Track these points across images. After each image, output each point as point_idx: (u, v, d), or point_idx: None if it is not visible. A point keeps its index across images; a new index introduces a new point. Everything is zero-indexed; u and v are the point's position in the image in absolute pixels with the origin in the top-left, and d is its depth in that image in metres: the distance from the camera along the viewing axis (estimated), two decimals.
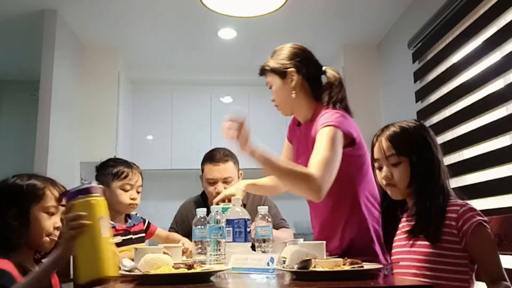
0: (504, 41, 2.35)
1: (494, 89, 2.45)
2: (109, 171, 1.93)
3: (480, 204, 2.60)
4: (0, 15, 3.56)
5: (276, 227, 2.28)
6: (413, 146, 1.43)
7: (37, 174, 1.41)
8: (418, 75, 3.37)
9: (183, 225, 2.37)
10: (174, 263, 1.29)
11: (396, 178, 1.43)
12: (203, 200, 2.41)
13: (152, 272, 1.20)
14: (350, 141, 1.62)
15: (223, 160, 2.27)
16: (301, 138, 1.85)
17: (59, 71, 3.56)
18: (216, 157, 2.28)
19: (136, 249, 1.54)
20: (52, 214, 1.35)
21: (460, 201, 1.39)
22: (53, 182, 1.39)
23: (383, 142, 1.45)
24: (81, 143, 4.00)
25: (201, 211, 1.60)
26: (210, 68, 4.90)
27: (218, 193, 2.18)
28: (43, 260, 1.27)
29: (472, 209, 1.35)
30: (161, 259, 1.27)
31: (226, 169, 2.26)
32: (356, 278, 1.16)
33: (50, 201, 1.34)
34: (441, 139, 2.99)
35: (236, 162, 2.33)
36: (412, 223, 1.43)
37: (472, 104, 2.63)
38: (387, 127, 1.49)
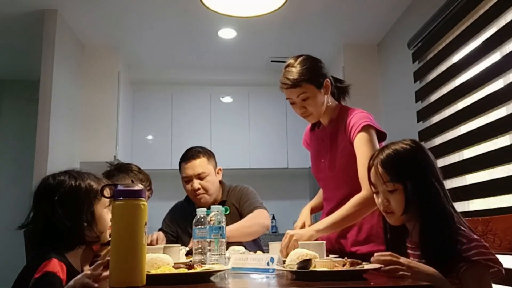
0: (504, 41, 2.35)
1: (494, 89, 2.44)
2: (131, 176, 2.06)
3: (480, 204, 2.60)
4: (0, 15, 3.56)
5: (252, 210, 2.27)
6: (407, 172, 1.37)
7: (72, 171, 1.46)
8: (418, 75, 3.37)
9: (172, 227, 2.36)
10: (174, 263, 1.29)
11: (393, 205, 1.38)
12: (187, 203, 2.41)
13: (152, 272, 1.20)
14: (382, 136, 1.82)
15: (194, 157, 2.32)
16: (320, 140, 1.98)
17: (59, 71, 3.56)
18: (187, 155, 2.34)
19: None
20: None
21: (467, 232, 1.31)
22: (96, 177, 1.47)
23: (379, 167, 1.40)
24: (81, 143, 4.00)
25: (201, 211, 1.60)
26: (210, 68, 4.89)
27: (194, 190, 2.26)
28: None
29: (477, 246, 1.25)
30: (161, 259, 1.27)
31: (197, 165, 2.30)
32: (356, 278, 1.17)
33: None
34: (441, 139, 2.99)
35: (210, 158, 2.36)
36: (418, 252, 1.36)
37: (472, 104, 2.63)
38: (382, 150, 1.44)
